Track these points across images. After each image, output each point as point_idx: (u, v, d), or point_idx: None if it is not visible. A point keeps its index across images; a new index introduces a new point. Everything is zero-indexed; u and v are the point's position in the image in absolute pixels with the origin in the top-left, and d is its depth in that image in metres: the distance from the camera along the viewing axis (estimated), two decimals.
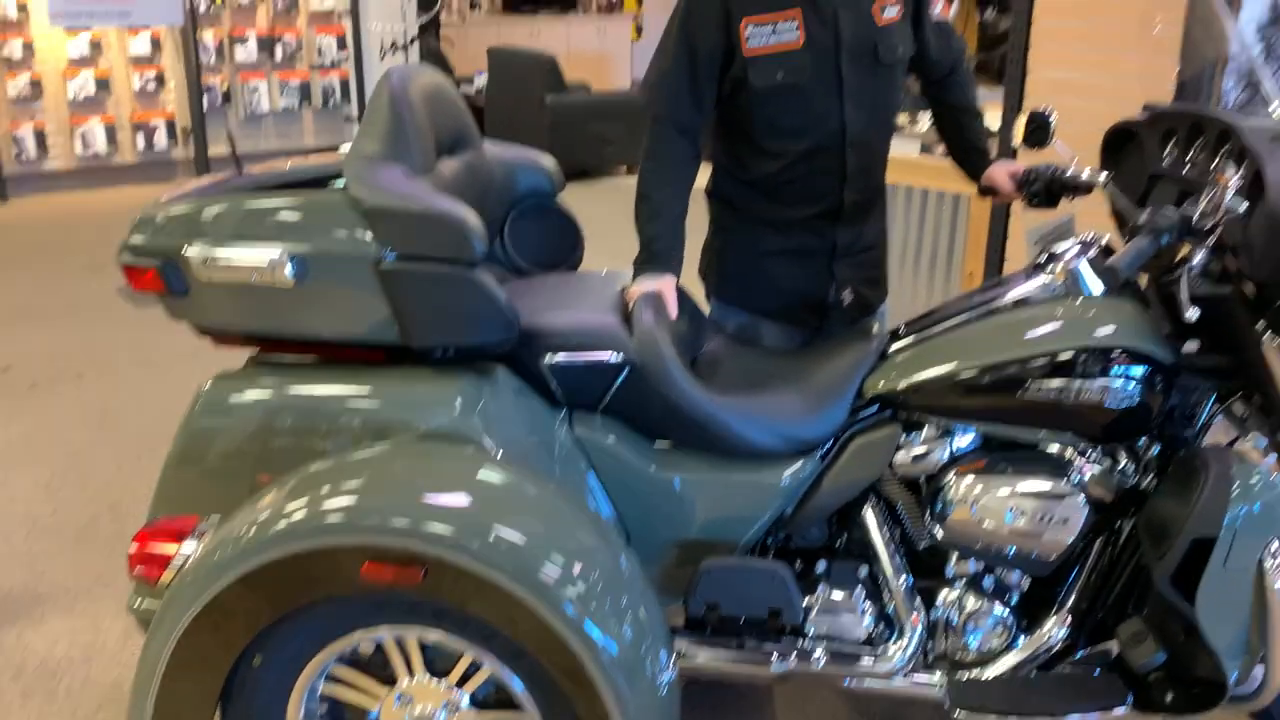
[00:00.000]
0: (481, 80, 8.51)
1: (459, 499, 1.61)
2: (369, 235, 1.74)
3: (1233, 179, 1.59)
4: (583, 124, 7.77)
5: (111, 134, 7.27)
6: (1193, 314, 1.64)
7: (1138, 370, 1.77)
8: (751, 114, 2.09)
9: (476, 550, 1.54)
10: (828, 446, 1.92)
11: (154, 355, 4.24)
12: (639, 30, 11.90)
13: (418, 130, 1.87)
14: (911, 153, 3.89)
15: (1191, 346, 1.80)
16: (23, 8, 6.73)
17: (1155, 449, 1.88)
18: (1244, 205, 1.61)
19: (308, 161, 2.10)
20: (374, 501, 1.60)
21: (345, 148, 1.97)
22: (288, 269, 1.76)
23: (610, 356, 1.85)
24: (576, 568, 1.58)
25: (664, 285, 2.00)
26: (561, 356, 1.85)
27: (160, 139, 7.42)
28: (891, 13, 2.09)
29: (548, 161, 2.30)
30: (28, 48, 6.85)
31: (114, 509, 3.14)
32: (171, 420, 1.90)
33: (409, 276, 1.74)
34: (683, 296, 2.07)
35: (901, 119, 4.19)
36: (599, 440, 1.89)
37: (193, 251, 1.79)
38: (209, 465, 1.84)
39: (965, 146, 2.30)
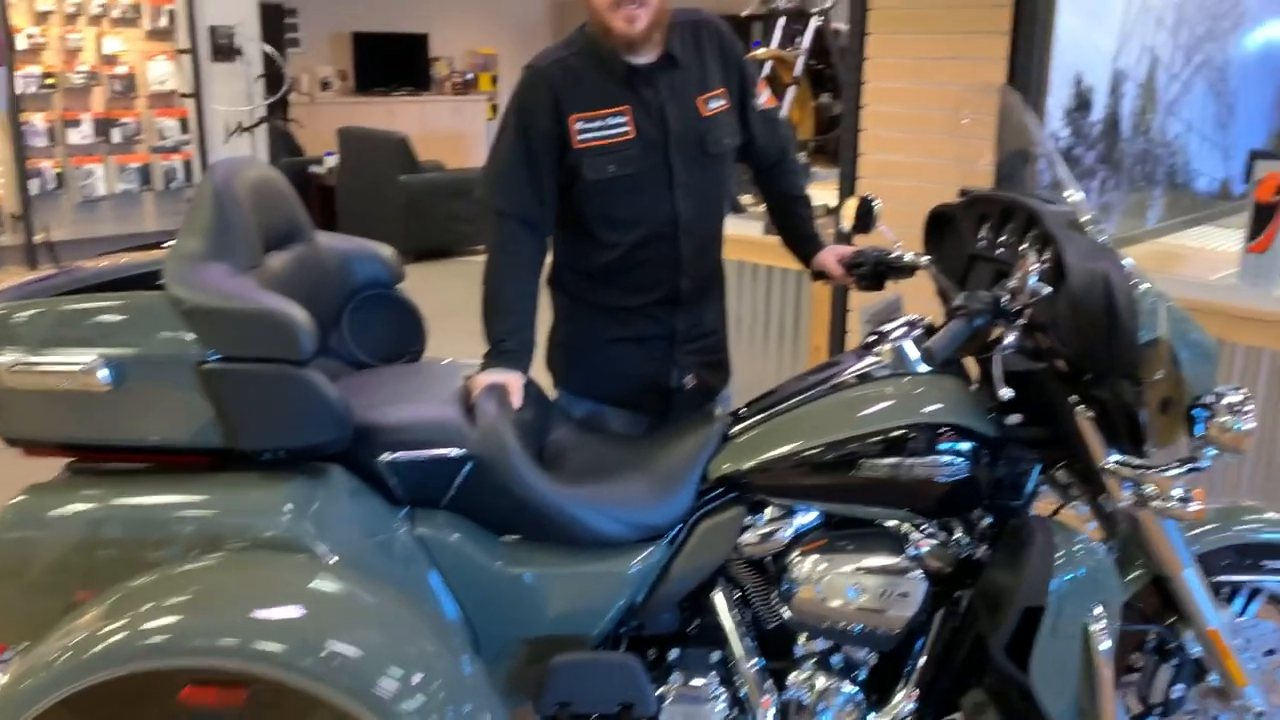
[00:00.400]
0: (332, 161, 8.41)
1: (290, 612, 1.54)
2: (190, 336, 1.67)
3: (1034, 264, 1.68)
4: (437, 203, 7.75)
5: None
6: (1006, 393, 1.71)
7: (964, 445, 1.83)
8: (585, 205, 2.11)
9: (308, 667, 1.47)
10: (676, 531, 1.92)
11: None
12: (495, 109, 12.01)
13: (243, 225, 1.82)
14: (755, 232, 4.00)
15: (1014, 419, 1.88)
16: None
17: (987, 520, 1.94)
18: (1047, 289, 1.70)
19: (134, 257, 2.02)
20: (197, 619, 1.52)
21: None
22: (103, 373, 1.67)
23: (451, 451, 1.81)
24: (416, 678, 1.53)
25: (510, 378, 1.99)
26: (400, 454, 1.81)
27: None
28: (717, 104, 2.16)
29: (385, 251, 2.26)
30: None
31: None
32: None
33: (234, 378, 1.67)
34: (529, 385, 2.05)
35: (746, 199, 4.32)
36: (442, 538, 1.84)
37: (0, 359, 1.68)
38: (20, 584, 1.72)
39: (795, 232, 2.38)
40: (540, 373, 2.20)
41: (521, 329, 2.07)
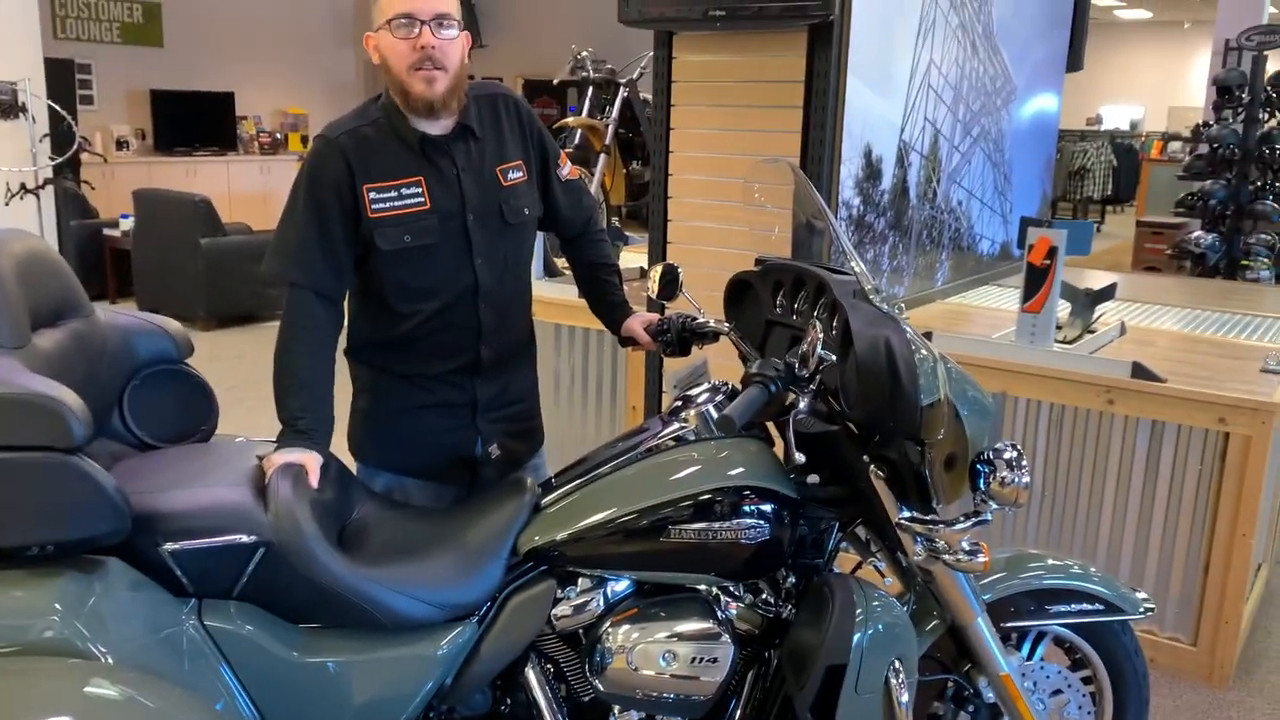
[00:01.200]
0: (128, 224, 7.99)
1: None
2: None
3: (820, 332, 1.75)
4: (241, 267, 7.46)
5: None
6: (799, 458, 1.77)
7: (767, 507, 1.87)
8: (382, 275, 2.08)
9: None
10: (485, 609, 1.87)
11: None
12: None
13: (6, 302, 1.69)
14: (571, 295, 4.02)
15: (814, 479, 1.94)
16: None
17: (791, 579, 1.99)
18: (833, 356, 1.77)
19: None
20: None
21: None
22: None
23: (241, 538, 1.72)
24: None
25: (307, 457, 1.91)
26: (184, 542, 1.70)
27: None
28: (515, 175, 2.17)
29: (172, 325, 2.15)
30: None
31: None
32: None
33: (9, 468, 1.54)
34: (328, 463, 1.98)
35: (561, 262, 4.35)
36: (234, 630, 1.73)
37: None
38: None
39: (603, 300, 2.40)
40: (341, 448, 2.12)
41: (318, 405, 2.00)
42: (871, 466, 1.85)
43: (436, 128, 2.07)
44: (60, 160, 7.83)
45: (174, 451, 2.02)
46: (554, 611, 1.90)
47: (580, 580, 1.91)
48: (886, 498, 1.87)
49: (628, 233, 5.08)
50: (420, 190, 2.06)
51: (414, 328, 2.12)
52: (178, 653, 1.68)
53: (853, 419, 1.85)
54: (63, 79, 9.18)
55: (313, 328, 2.03)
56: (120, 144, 10.70)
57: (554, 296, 4.09)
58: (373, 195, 2.03)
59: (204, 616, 1.73)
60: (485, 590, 1.87)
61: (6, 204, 7.41)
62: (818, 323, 1.76)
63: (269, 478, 1.82)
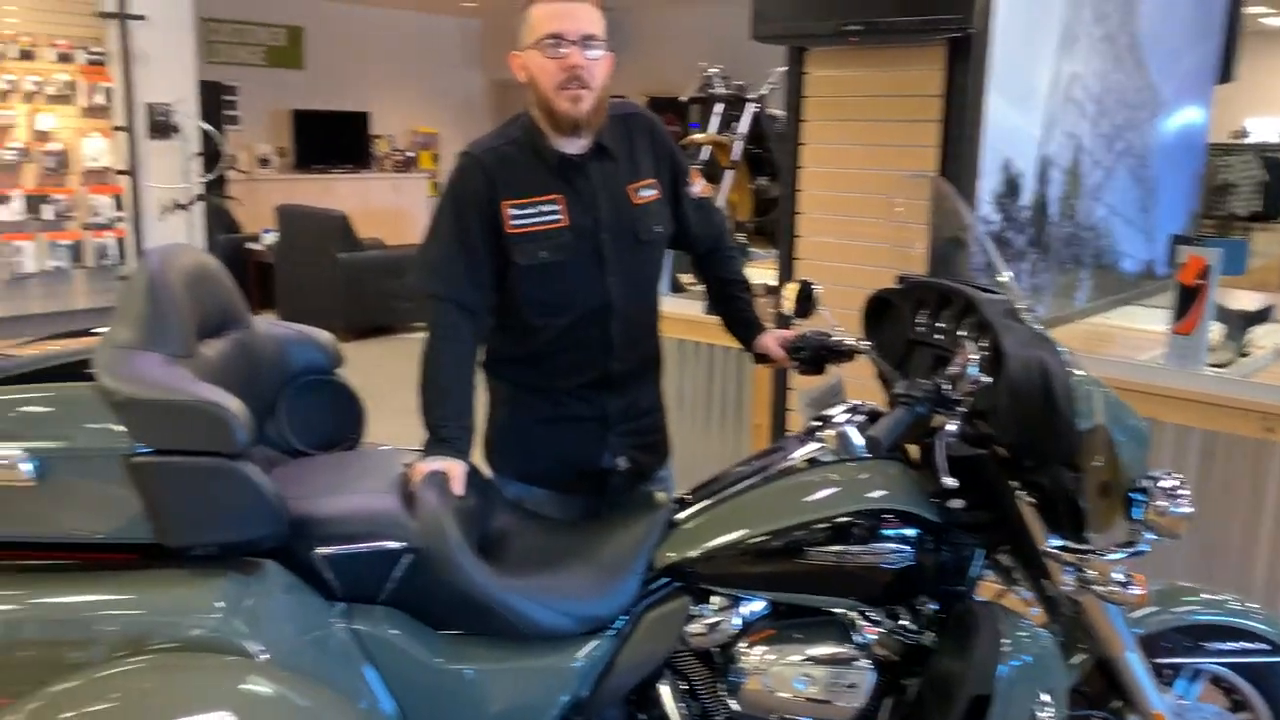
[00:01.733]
0: (271, 238, 8.35)
1: (220, 718, 1.47)
2: (120, 428, 1.62)
3: (973, 353, 1.71)
4: (376, 281, 7.71)
5: None
6: (950, 483, 1.72)
7: (909, 531, 1.83)
8: (517, 290, 2.12)
9: None
10: (621, 623, 1.88)
11: None
12: (435, 187, 12.06)
13: (177, 313, 1.78)
14: (696, 311, 4.03)
15: (957, 504, 1.89)
16: None
17: (932, 606, 1.94)
18: (986, 378, 1.72)
19: (64, 345, 1.96)
20: None
21: (101, 329, 1.86)
22: (26, 467, 1.61)
23: (389, 544, 1.77)
24: None
25: (451, 465, 1.95)
26: (336, 547, 1.76)
27: None
28: (648, 193, 2.19)
29: (323, 336, 2.24)
30: None
31: None
32: None
33: (164, 471, 1.62)
34: (470, 472, 2.02)
35: (687, 279, 4.36)
36: (380, 634, 1.78)
37: None
38: None
39: (735, 316, 2.40)
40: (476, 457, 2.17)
41: (461, 414, 2.05)
42: (1019, 492, 1.79)
43: (575, 146, 2.10)
44: (210, 178, 8.24)
45: (325, 458, 2.09)
46: (689, 629, 1.89)
47: (715, 599, 1.90)
48: (1034, 524, 1.81)
49: (753, 249, 5.05)
50: (558, 208, 2.09)
51: (547, 343, 2.15)
52: (327, 654, 1.74)
53: (1002, 443, 1.79)
54: (212, 100, 9.65)
55: (456, 339, 2.08)
56: (263, 162, 11.19)
57: (678, 312, 4.10)
58: (512, 211, 2.07)
59: (352, 620, 1.78)
60: (621, 604, 1.87)
61: (160, 218, 7.83)
62: (969, 343, 1.72)
63: (415, 485, 1.87)
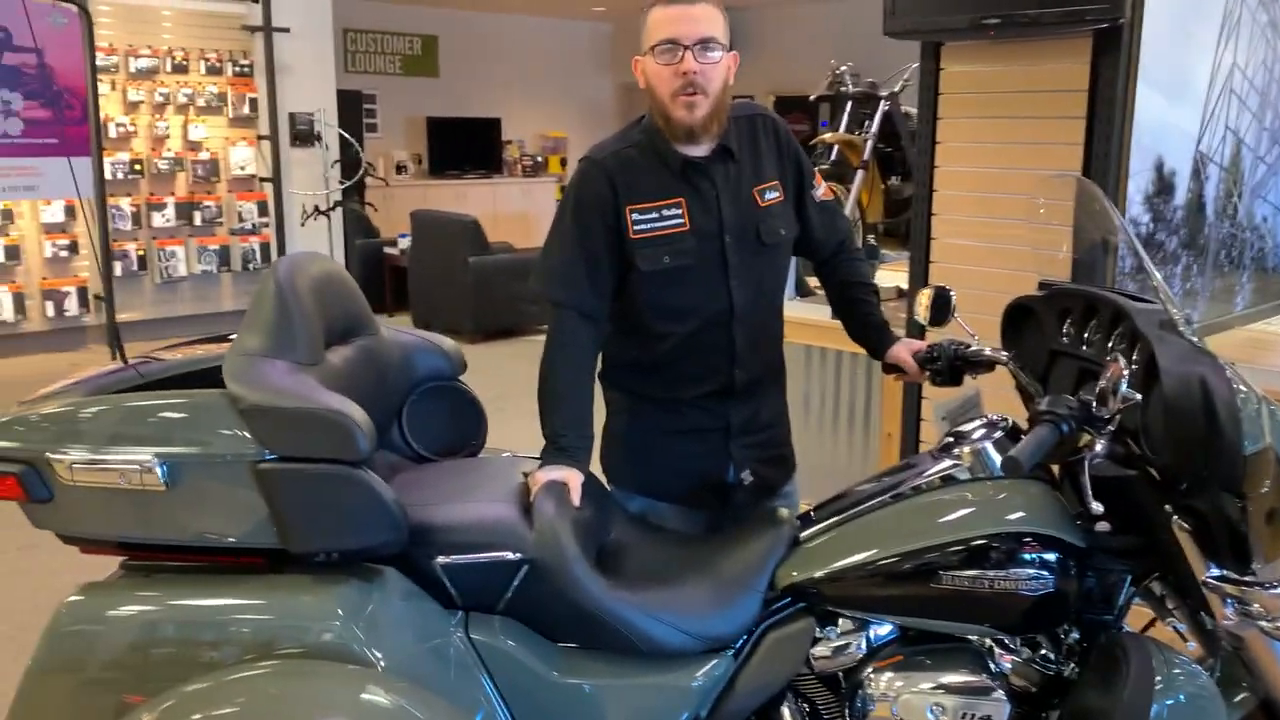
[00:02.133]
0: (405, 242, 8.57)
1: None
2: (247, 435, 1.65)
3: (1125, 369, 1.58)
4: (504, 284, 7.82)
5: (19, 302, 7.10)
6: (1096, 508, 1.61)
7: (1051, 556, 1.72)
8: (639, 295, 2.08)
9: None
10: (741, 642, 1.82)
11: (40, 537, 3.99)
12: (563, 190, 12.20)
13: (304, 321, 1.80)
14: (823, 316, 3.93)
15: (1104, 527, 1.76)
16: None
17: (1075, 635, 1.82)
18: (1138, 395, 1.60)
19: (207, 350, 2.02)
20: None
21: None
22: (158, 472, 1.65)
23: (507, 554, 1.75)
24: None
25: (569, 475, 1.93)
26: (455, 557, 1.75)
27: (71, 306, 7.27)
28: (772, 195, 2.12)
29: (447, 343, 2.24)
30: None
31: None
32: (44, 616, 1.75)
33: (288, 477, 1.64)
34: (588, 482, 1.99)
35: (814, 282, 4.25)
36: (498, 645, 1.77)
37: (57, 456, 1.68)
38: (72, 684, 1.69)
39: (863, 323, 2.30)
40: (596, 467, 2.14)
41: (579, 423, 2.02)
42: (1175, 517, 1.66)
43: (697, 149, 2.06)
44: (348, 184, 8.51)
45: (446, 465, 2.10)
46: (813, 651, 1.82)
47: (841, 621, 1.83)
48: (1190, 551, 1.67)
49: (884, 251, 4.91)
50: (680, 211, 2.05)
51: (668, 350, 2.11)
52: (444, 663, 1.73)
53: (1155, 464, 1.66)
54: (352, 109, 9.98)
55: (575, 347, 2.06)
56: (399, 168, 11.51)
57: (805, 317, 4.00)
58: (635, 216, 2.03)
59: (470, 629, 1.77)
60: (742, 623, 1.82)
61: (303, 224, 8.13)
62: (1120, 357, 1.60)
63: (533, 495, 1.85)
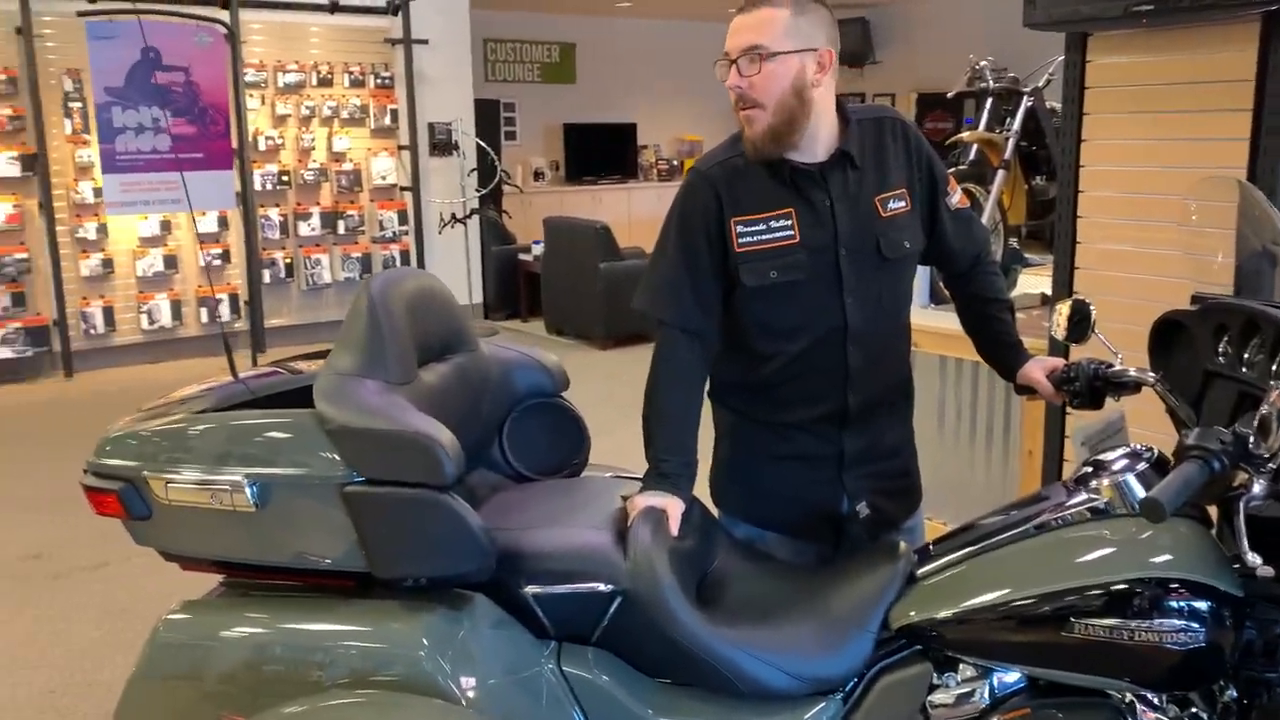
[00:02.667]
0: (539, 249, 8.65)
1: None
2: (336, 456, 1.62)
3: None
4: (631, 290, 7.75)
5: (177, 308, 7.46)
6: (1253, 559, 1.41)
7: (1202, 604, 1.53)
8: (745, 312, 1.96)
9: None
10: (850, 686, 1.69)
11: None
12: None
13: (396, 340, 1.76)
14: (958, 325, 3.71)
15: (1266, 571, 1.55)
16: (98, 192, 7.01)
17: (1232, 692, 1.61)
18: None
19: (301, 369, 2.01)
20: None
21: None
22: (248, 493, 1.64)
23: (600, 585, 1.67)
24: None
25: (669, 503, 1.83)
26: (545, 586, 1.68)
27: (222, 311, 7.60)
28: (897, 205, 1.97)
29: (549, 359, 2.18)
30: (101, 229, 7.12)
31: None
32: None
33: (375, 501, 1.61)
34: (694, 506, 1.89)
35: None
36: (591, 678, 1.69)
37: (154, 474, 1.69)
38: (170, 698, 1.71)
39: (995, 341, 2.13)
40: (703, 491, 2.04)
41: (683, 447, 1.92)
42: None
43: (808, 156, 1.92)
44: (485, 192, 8.65)
45: (544, 486, 2.03)
46: (929, 699, 1.67)
47: (961, 667, 1.67)
48: None
49: (1028, 254, 4.63)
50: (789, 223, 1.92)
51: (775, 370, 1.98)
52: (534, 695, 1.66)
53: None
54: (490, 118, 10.14)
55: (680, 367, 1.96)
56: (536, 175, 11.65)
57: (939, 326, 3.79)
58: (740, 229, 1.92)
59: (562, 660, 1.70)
60: (851, 666, 1.68)
61: (440, 232, 8.30)
62: None
63: (631, 522, 1.76)
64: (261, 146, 7.59)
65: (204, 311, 7.53)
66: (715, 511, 2.07)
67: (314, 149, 7.91)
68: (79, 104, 6.84)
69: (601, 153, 12.02)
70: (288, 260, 7.87)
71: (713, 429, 2.12)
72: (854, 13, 11.33)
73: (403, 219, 8.29)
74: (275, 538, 1.67)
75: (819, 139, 1.92)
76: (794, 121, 1.88)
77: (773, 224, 1.91)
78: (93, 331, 7.18)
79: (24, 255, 6.88)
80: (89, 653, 3.36)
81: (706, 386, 2.02)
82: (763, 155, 1.91)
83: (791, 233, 1.91)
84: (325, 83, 7.86)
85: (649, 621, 1.66)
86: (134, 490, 1.70)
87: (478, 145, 8.55)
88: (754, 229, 1.92)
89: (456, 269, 8.39)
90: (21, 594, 3.79)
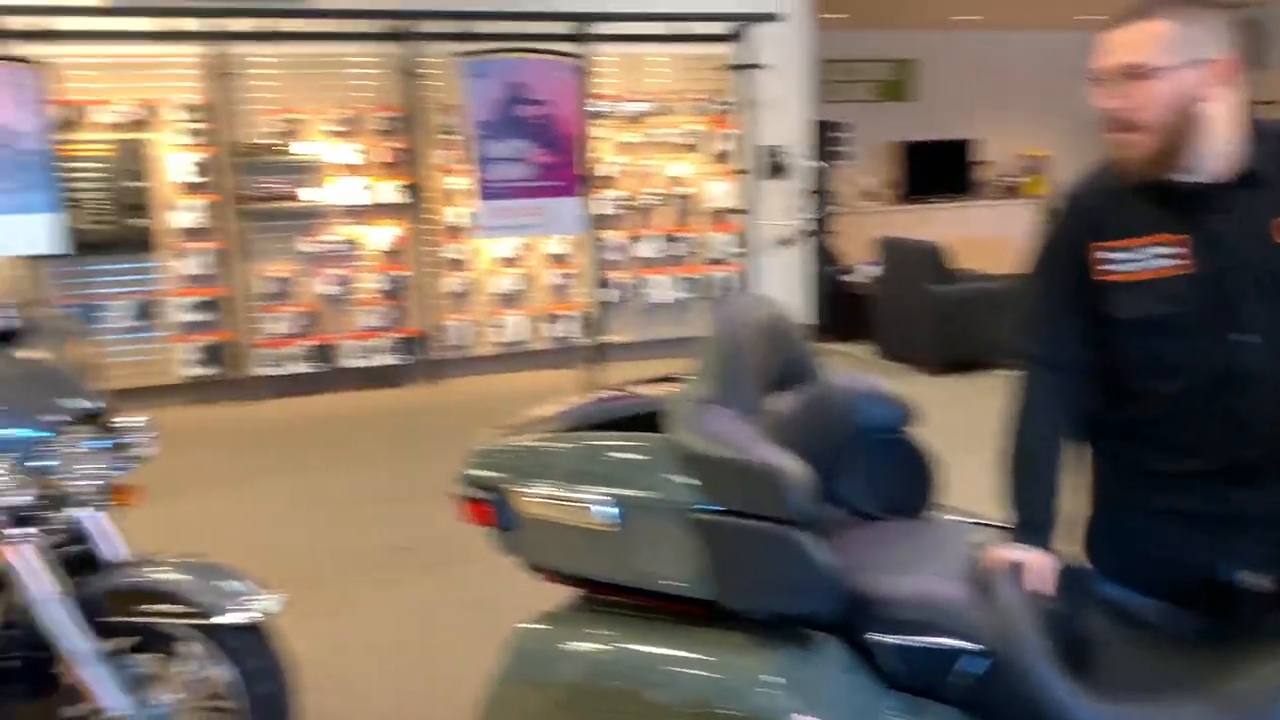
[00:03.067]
0: (868, 270, 8.49)
1: None
2: (690, 484, 1.65)
3: None
4: (966, 313, 7.42)
5: (528, 324, 8.03)
6: None
7: None
8: (1116, 347, 1.79)
9: None
10: None
11: None
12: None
13: (747, 369, 1.77)
14: None
15: None
16: (464, 217, 7.69)
17: None
18: None
19: (658, 391, 2.07)
20: None
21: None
22: (609, 513, 1.71)
23: (955, 641, 1.58)
24: None
25: (1038, 559, 1.70)
26: (895, 635, 1.61)
27: (568, 328, 8.09)
28: None
29: (896, 391, 2.11)
30: (466, 250, 7.81)
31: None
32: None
33: (725, 531, 1.62)
34: (1060, 562, 1.75)
35: None
36: None
37: (521, 488, 1.80)
38: (528, 706, 1.81)
39: None
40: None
41: (1046, 495, 1.78)
42: None
43: (1199, 175, 1.73)
44: (816, 215, 8.62)
45: (891, 526, 1.97)
46: None
47: None
48: None
49: None
50: (1172, 250, 1.73)
51: (1151, 413, 1.79)
52: None
53: None
54: (825, 138, 10.11)
55: (1044, 407, 1.82)
56: (870, 195, 11.47)
57: None
58: (1111, 256, 1.76)
59: (907, 715, 1.62)
60: None
61: (772, 255, 8.37)
62: None
63: (992, 576, 1.66)
64: (606, 173, 8.01)
65: (551, 327, 8.04)
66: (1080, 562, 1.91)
67: (653, 175, 8.23)
68: (453, 136, 7.57)
69: (938, 171, 11.65)
70: (628, 281, 8.23)
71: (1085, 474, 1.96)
72: (1240, 13, 10.21)
73: (736, 241, 8.43)
74: (630, 558, 1.72)
75: (1213, 157, 1.71)
76: (1179, 143, 1.70)
77: (1151, 251, 1.74)
78: (455, 343, 7.87)
79: (405, 273, 7.68)
80: (447, 643, 3.65)
81: (1074, 427, 1.86)
82: (1141, 178, 1.74)
83: (1173, 261, 1.73)
84: (665, 111, 8.16)
85: (1010, 687, 1.55)
86: (504, 501, 1.82)
87: (810, 167, 8.54)
88: (1128, 256, 1.75)
89: (787, 291, 8.42)
90: (393, 584, 4.19)
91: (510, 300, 7.99)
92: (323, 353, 7.54)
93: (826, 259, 9.15)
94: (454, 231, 7.74)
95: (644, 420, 1.92)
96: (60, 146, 6.30)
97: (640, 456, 1.75)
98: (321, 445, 6.29)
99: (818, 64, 8.93)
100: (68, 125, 6.60)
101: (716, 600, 1.66)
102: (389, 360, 7.69)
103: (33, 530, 2.24)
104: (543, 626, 1.83)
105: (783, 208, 8.52)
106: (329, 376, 7.57)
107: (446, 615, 3.86)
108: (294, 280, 7.47)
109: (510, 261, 7.94)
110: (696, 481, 1.66)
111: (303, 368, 7.49)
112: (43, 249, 5.69)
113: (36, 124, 5.85)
